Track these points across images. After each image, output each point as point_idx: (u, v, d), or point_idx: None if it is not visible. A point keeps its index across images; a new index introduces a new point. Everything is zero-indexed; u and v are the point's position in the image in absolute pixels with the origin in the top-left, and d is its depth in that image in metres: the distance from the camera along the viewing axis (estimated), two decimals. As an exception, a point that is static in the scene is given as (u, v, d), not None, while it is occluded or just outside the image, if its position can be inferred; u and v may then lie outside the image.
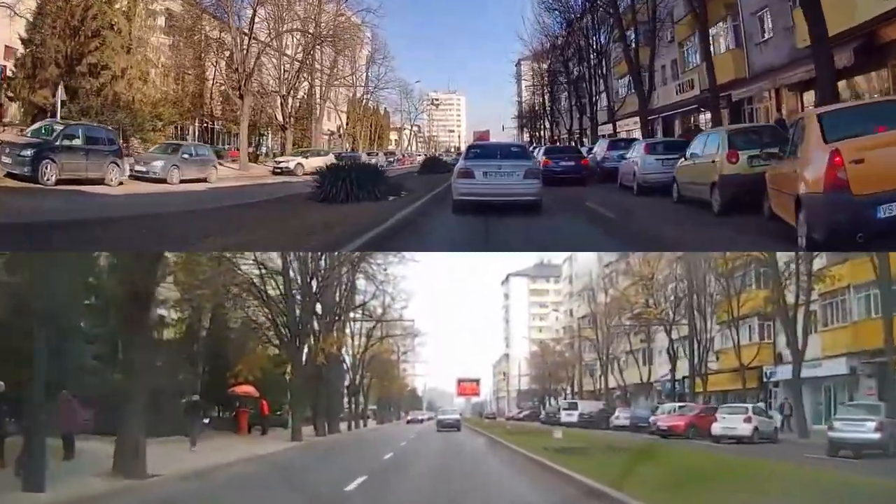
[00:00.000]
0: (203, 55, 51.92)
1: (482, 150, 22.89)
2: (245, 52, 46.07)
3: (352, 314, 42.93)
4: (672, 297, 44.89)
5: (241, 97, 46.81)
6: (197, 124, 55.18)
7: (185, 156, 36.38)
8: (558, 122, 70.15)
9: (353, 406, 53.96)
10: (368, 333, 49.94)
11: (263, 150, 59.78)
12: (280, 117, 53.30)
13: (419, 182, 35.82)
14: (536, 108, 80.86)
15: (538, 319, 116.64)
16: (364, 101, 70.12)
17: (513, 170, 18.96)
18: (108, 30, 45.22)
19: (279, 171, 46.33)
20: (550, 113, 71.20)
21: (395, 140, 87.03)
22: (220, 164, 50.95)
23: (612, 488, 10.51)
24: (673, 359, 45.26)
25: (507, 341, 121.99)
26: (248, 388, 33.78)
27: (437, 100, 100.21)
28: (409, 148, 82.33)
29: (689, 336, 42.47)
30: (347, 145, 71.66)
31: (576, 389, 70.42)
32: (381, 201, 23.44)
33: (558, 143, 62.50)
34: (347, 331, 45.50)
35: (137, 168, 33.57)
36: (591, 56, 54.32)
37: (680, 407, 36.05)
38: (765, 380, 39.83)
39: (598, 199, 25.95)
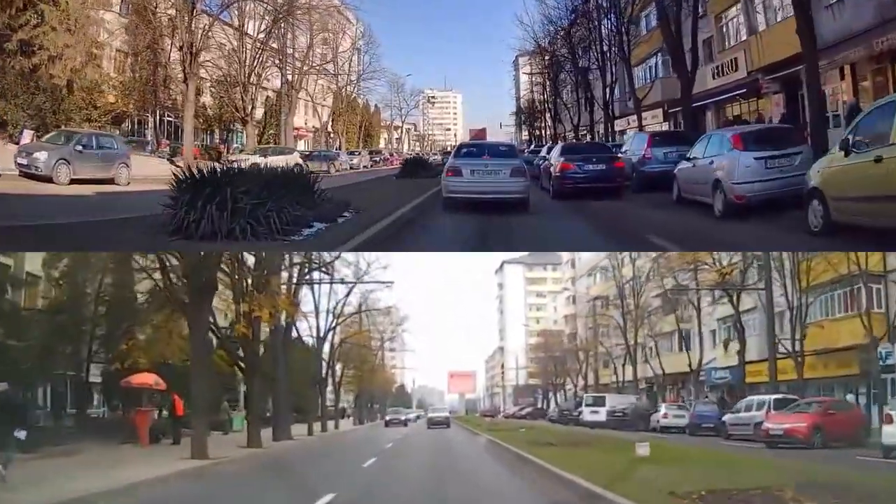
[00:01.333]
0: (159, 37, 40.01)
1: (471, 148, 20.65)
2: (189, 24, 34.17)
3: (309, 276, 29.79)
4: (740, 256, 29.47)
5: (186, 81, 35.05)
6: (154, 117, 43.78)
7: (80, 148, 24.87)
8: (560, 118, 58.00)
9: (320, 403, 39.46)
10: (336, 309, 36.04)
11: (237, 146, 48.38)
12: (243, 109, 41.39)
13: (392, 191, 24.89)
14: (536, 104, 68.87)
15: (535, 309, 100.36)
16: (348, 94, 57.98)
17: (500, 168, 17.53)
18: (46, 4, 34.70)
19: (231, 171, 34.64)
20: (553, 107, 58.92)
21: (387, 138, 75.44)
22: (173, 161, 40.19)
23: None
24: (741, 337, 30.50)
25: (502, 333, 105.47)
26: (148, 378, 21.70)
27: (433, 97, 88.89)
28: (401, 146, 70.35)
29: (764, 306, 28.08)
30: (337, 144, 60.10)
31: (589, 382, 55.06)
32: (287, 238, 11.76)
33: (579, 139, 48.37)
34: (310, 302, 33.48)
35: (19, 161, 24.14)
36: (611, 35, 41.89)
37: (779, 402, 21.83)
38: (881, 363, 24.58)
39: (664, 226, 14.64)
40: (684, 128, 29.62)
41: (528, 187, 17.90)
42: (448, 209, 17.60)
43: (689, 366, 36.41)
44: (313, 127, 60.94)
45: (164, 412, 23.47)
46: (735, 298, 30.03)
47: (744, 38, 32.40)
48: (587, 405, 36.36)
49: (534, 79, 67.06)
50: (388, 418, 50.32)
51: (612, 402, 35.37)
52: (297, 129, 59.09)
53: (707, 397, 34.33)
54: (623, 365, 45.77)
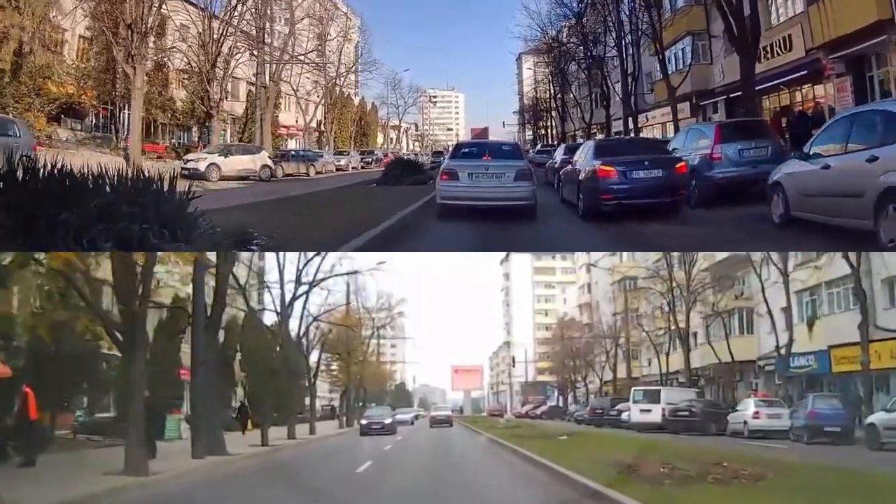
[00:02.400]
0: (108, 16, 33.01)
1: (470, 148, 17.08)
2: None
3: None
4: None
5: (132, 64, 28.14)
6: (118, 110, 37.07)
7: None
8: (570, 115, 50.53)
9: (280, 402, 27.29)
10: (304, 272, 24.25)
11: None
12: (209, 100, 34.27)
13: (362, 204, 17.71)
14: (540, 102, 61.62)
15: (544, 301, 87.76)
16: (338, 89, 50.72)
17: (502, 170, 14.06)
18: (-6, -19, 29.34)
19: (186, 173, 27.70)
20: (561, 104, 51.44)
21: (391, 138, 68.29)
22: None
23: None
24: (864, 308, 20.55)
25: (509, 327, 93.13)
26: None
27: (434, 96, 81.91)
28: (398, 146, 63.24)
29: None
30: (330, 143, 53.08)
31: (615, 376, 43.44)
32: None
33: (591, 136, 39.96)
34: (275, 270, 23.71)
35: None
36: (634, 16, 33.94)
37: None
38: None
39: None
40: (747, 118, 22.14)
41: (535, 192, 14.48)
42: (443, 216, 14.59)
43: (778, 349, 25.57)
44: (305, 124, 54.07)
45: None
46: (857, 256, 20.17)
47: (800, 9, 25.13)
48: (636, 402, 27.52)
49: (537, 73, 59.79)
50: (364, 422, 29.81)
51: (668, 398, 26.39)
52: (287, 126, 52.21)
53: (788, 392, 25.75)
54: (667, 354, 35.69)
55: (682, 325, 31.74)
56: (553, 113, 56.15)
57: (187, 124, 40.99)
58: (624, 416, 28.08)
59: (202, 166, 27.37)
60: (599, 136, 39.01)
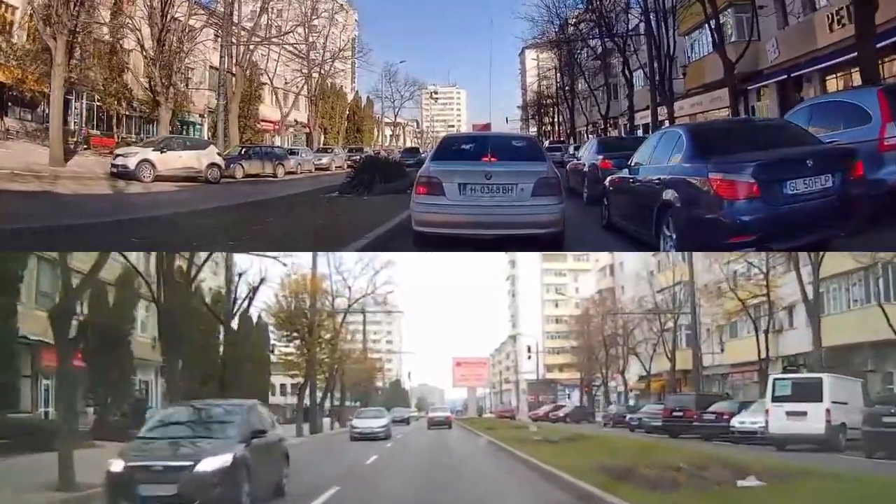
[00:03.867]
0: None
1: (465, 144, 10.44)
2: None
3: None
4: None
5: (54, 34, 21.99)
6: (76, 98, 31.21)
7: None
8: (582, 108, 43.93)
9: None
10: None
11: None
12: (160, 82, 27.88)
13: (290, 230, 11.30)
14: (545, 98, 55.15)
15: (553, 291, 76.65)
16: (328, 80, 44.23)
17: (513, 179, 8.72)
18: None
19: (115, 171, 21.43)
20: (571, 96, 44.77)
21: (389, 135, 62.02)
22: (84, 154, 27.19)
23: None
24: None
25: (514, 320, 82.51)
26: None
27: (436, 93, 75.40)
28: (394, 143, 56.90)
29: None
30: (320, 140, 46.84)
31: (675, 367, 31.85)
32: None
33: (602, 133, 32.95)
34: None
35: None
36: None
37: None
38: None
39: None
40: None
41: (564, 213, 8.98)
42: (421, 245, 9.40)
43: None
44: (294, 120, 47.68)
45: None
46: None
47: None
48: (777, 399, 15.51)
49: (542, 65, 53.25)
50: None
51: (837, 393, 15.09)
52: (272, 122, 46.01)
53: None
54: (766, 332, 23.74)
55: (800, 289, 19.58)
56: (561, 107, 49.55)
57: (152, 116, 34.86)
58: (736, 422, 18.05)
59: (132, 163, 21.05)
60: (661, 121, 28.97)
